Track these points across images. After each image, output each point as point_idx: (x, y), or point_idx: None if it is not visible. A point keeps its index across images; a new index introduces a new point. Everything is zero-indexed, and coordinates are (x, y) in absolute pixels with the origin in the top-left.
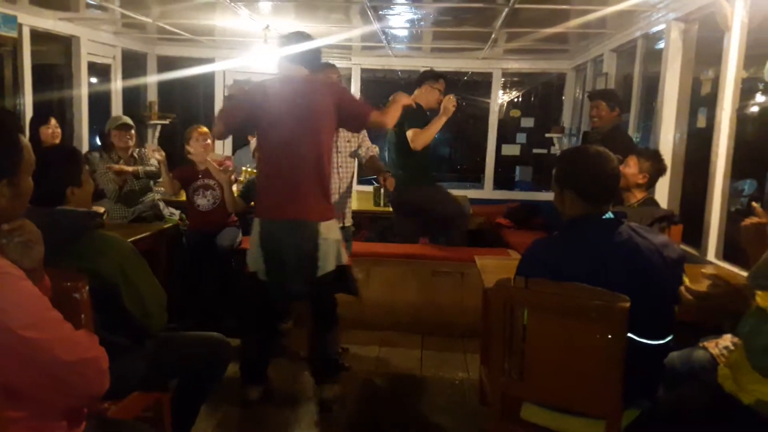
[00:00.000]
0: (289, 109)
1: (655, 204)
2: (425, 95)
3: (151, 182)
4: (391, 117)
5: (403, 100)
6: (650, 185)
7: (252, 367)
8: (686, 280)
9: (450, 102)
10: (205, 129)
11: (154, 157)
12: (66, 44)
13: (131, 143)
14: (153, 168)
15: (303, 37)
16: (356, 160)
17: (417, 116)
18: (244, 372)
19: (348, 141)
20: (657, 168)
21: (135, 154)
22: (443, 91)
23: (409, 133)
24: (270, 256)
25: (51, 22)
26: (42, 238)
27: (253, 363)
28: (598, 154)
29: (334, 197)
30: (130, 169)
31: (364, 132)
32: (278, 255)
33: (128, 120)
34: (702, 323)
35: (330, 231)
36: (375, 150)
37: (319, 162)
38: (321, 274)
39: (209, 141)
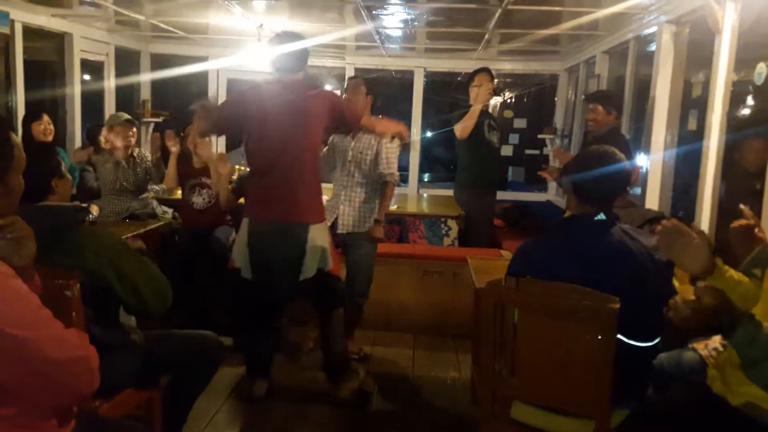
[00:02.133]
0: (276, 111)
1: (635, 207)
2: (473, 94)
3: (147, 181)
4: (374, 122)
5: (392, 127)
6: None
7: (254, 362)
8: (676, 283)
9: (488, 90)
10: None
11: (170, 147)
12: (59, 41)
13: (133, 140)
14: (151, 170)
15: (291, 38)
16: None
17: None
18: (248, 367)
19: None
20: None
21: (135, 154)
22: (484, 84)
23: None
24: (256, 256)
25: (44, 18)
26: (33, 235)
27: (254, 358)
28: (598, 155)
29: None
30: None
31: (386, 144)
32: (264, 255)
33: (130, 117)
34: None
35: (317, 235)
36: (392, 178)
37: (306, 164)
38: (302, 278)
39: (208, 140)
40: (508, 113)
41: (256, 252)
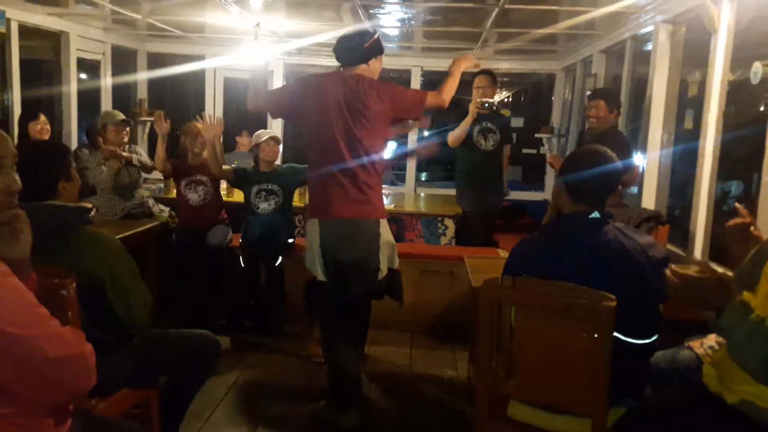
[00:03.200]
0: (341, 106)
1: (623, 206)
2: (475, 95)
3: (141, 178)
4: (448, 91)
5: (463, 63)
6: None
7: (345, 387)
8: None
9: (474, 105)
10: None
11: (157, 129)
12: (55, 40)
13: (126, 140)
14: (147, 162)
15: (355, 36)
16: None
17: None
18: (336, 393)
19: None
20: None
21: (127, 151)
22: (483, 87)
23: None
24: (331, 256)
25: (40, 17)
26: (29, 224)
27: (346, 382)
28: (590, 154)
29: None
30: (125, 153)
31: None
32: (340, 255)
33: (125, 117)
34: (687, 322)
35: (387, 232)
36: None
37: (372, 159)
38: (380, 277)
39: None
40: (505, 112)
41: (330, 251)
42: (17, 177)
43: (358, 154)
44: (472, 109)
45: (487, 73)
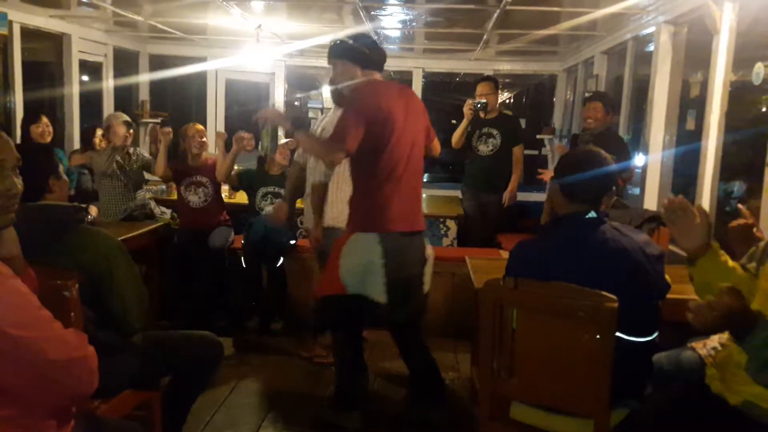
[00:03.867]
0: (404, 115)
1: (624, 207)
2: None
3: (144, 180)
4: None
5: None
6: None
7: (351, 392)
8: (668, 278)
9: (467, 106)
10: (201, 126)
11: (164, 134)
12: (57, 42)
13: (129, 141)
14: (148, 159)
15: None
16: None
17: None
18: (341, 398)
19: None
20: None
21: (130, 152)
22: (486, 94)
23: None
24: (394, 273)
25: (42, 19)
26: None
27: (352, 387)
28: (585, 154)
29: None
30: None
31: None
32: (403, 272)
33: (128, 118)
34: (690, 323)
35: (426, 243)
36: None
37: (422, 170)
38: (426, 291)
39: (205, 139)
40: (507, 113)
41: (394, 268)
42: (18, 180)
43: (416, 162)
44: (466, 111)
45: (489, 79)
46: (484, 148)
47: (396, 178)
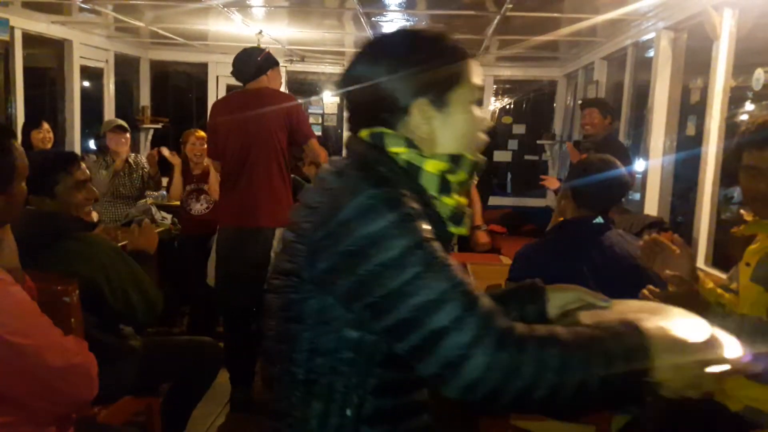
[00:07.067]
0: (240, 119)
1: (625, 212)
2: None
3: (144, 191)
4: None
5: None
6: None
7: (234, 369)
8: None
9: None
10: (202, 133)
11: (172, 161)
12: (58, 48)
13: (126, 147)
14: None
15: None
16: None
17: None
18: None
19: None
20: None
21: (130, 160)
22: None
23: None
24: (221, 263)
25: (43, 25)
26: (10, 232)
27: (234, 365)
28: (600, 161)
29: None
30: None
31: None
32: (228, 263)
33: (123, 123)
34: None
35: None
36: None
37: (271, 169)
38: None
39: (206, 146)
40: (507, 119)
41: (222, 258)
42: (23, 186)
43: (253, 164)
44: None
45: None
46: None
47: (232, 180)
